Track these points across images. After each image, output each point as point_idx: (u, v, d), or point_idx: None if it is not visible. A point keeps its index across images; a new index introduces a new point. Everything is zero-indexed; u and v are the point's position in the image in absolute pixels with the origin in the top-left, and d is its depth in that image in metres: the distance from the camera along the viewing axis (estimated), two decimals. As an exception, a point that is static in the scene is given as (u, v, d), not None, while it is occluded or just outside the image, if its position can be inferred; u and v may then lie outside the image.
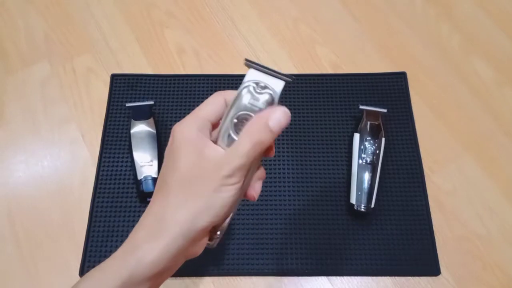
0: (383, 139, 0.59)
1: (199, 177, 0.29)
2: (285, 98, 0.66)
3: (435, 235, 0.57)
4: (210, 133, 0.31)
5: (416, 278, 0.54)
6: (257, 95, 0.31)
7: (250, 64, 0.32)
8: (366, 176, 0.57)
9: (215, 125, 0.32)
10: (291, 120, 0.67)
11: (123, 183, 0.60)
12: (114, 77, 0.68)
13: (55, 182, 0.60)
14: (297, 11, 0.75)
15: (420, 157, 0.62)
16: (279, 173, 0.61)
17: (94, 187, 0.59)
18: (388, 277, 0.55)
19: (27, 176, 0.61)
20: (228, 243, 0.56)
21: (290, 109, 0.68)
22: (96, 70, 0.69)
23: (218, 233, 0.32)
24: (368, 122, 0.61)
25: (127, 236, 0.30)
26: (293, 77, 0.32)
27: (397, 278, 0.55)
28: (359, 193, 0.56)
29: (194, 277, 0.55)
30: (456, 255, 0.56)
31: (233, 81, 0.67)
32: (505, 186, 0.60)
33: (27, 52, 0.70)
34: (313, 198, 0.59)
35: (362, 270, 0.55)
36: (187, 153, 0.30)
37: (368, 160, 0.58)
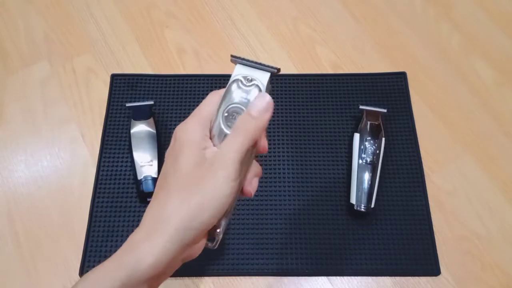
0: (383, 139, 0.59)
1: (199, 178, 0.29)
2: (285, 98, 0.66)
3: (435, 235, 0.57)
4: (210, 132, 0.32)
5: (416, 278, 0.55)
6: (245, 88, 0.32)
7: (235, 59, 0.33)
8: (366, 176, 0.57)
9: None
10: (291, 120, 0.67)
11: (123, 183, 0.60)
12: (114, 77, 0.68)
13: (55, 182, 0.60)
14: (297, 11, 0.75)
15: (420, 157, 0.62)
16: (279, 173, 0.61)
17: (94, 187, 0.59)
18: (388, 277, 0.55)
19: (27, 176, 0.61)
20: (228, 243, 0.56)
21: (290, 109, 0.68)
22: (96, 70, 0.69)
23: (218, 231, 0.32)
24: (368, 122, 0.61)
25: (127, 236, 0.30)
26: (279, 68, 0.33)
27: (397, 278, 0.55)
28: (359, 193, 0.56)
29: (194, 277, 0.55)
30: (456, 255, 0.56)
31: (233, 81, 0.67)
32: (505, 186, 0.60)
33: (27, 52, 0.70)
34: (313, 198, 0.59)
35: (362, 270, 0.55)
36: (189, 155, 0.30)
37: (368, 160, 0.58)
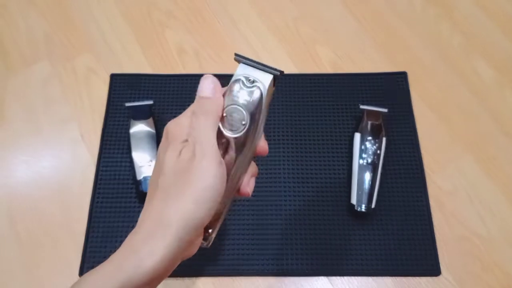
0: (384, 139, 0.59)
1: (187, 172, 0.29)
2: (285, 98, 0.66)
3: (435, 235, 0.56)
4: None
5: (417, 278, 0.54)
6: (246, 89, 0.32)
7: (239, 59, 0.33)
8: (367, 176, 0.57)
9: None
10: (292, 120, 0.67)
11: (123, 183, 0.60)
12: (114, 77, 0.68)
13: (55, 182, 0.60)
14: (298, 11, 0.75)
15: (421, 157, 0.62)
16: (279, 173, 0.61)
17: (93, 187, 0.59)
18: (388, 277, 0.55)
19: (27, 176, 0.61)
20: (228, 243, 0.56)
21: (290, 109, 0.68)
22: (96, 69, 0.69)
23: (210, 230, 0.32)
24: (369, 122, 0.61)
25: (126, 236, 0.30)
26: (282, 71, 0.32)
27: (398, 278, 0.55)
28: (360, 193, 0.56)
29: (194, 277, 0.54)
30: (457, 255, 0.56)
31: (233, 81, 0.67)
32: (505, 186, 0.60)
33: (28, 52, 0.70)
34: (313, 198, 0.59)
35: (363, 270, 0.55)
36: (178, 150, 0.30)
37: (369, 160, 0.58)
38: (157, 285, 0.30)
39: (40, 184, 0.60)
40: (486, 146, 0.63)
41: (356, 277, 0.55)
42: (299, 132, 0.64)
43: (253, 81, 0.32)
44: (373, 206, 0.56)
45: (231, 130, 0.31)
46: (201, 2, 0.75)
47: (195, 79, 0.68)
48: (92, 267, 0.29)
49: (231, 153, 0.31)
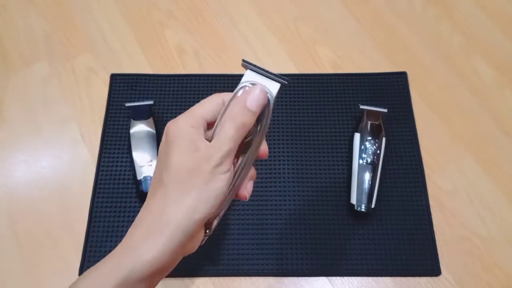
0: (384, 139, 0.59)
1: (192, 171, 0.29)
2: (285, 98, 0.66)
3: (435, 235, 0.56)
4: (205, 131, 0.32)
5: (417, 279, 0.54)
6: None
7: (247, 65, 0.32)
8: (367, 176, 0.57)
9: (210, 125, 0.32)
10: (292, 120, 0.67)
11: (123, 183, 0.60)
12: (114, 77, 0.68)
13: (55, 182, 0.60)
14: (298, 11, 0.75)
15: (421, 157, 0.62)
16: (279, 173, 0.61)
17: (93, 187, 0.59)
18: (388, 277, 0.55)
19: (27, 176, 0.61)
20: (228, 243, 0.56)
21: (290, 109, 0.68)
22: (96, 69, 0.69)
23: (207, 231, 0.33)
24: (369, 122, 0.61)
25: (126, 236, 0.30)
26: (289, 79, 0.32)
27: (397, 278, 0.55)
28: (360, 193, 0.56)
29: (194, 277, 0.54)
30: (457, 255, 0.56)
31: (233, 81, 0.67)
32: (505, 186, 0.60)
33: (27, 52, 0.70)
34: (313, 198, 0.59)
35: (363, 270, 0.55)
36: (180, 149, 0.30)
37: (369, 160, 0.58)
38: (158, 280, 0.30)
39: (40, 184, 0.60)
40: (486, 146, 0.63)
41: (356, 277, 0.55)
42: (299, 132, 0.64)
43: None
44: (373, 206, 0.56)
45: None
46: (201, 2, 0.75)
47: (195, 79, 0.68)
48: (92, 267, 0.29)
49: (238, 156, 0.32)
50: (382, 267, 0.55)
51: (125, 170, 0.60)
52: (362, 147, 0.59)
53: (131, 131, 0.60)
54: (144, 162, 0.58)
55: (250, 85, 0.32)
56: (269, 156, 0.62)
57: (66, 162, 0.62)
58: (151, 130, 0.60)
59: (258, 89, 0.31)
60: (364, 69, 0.69)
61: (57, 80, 0.68)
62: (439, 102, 0.66)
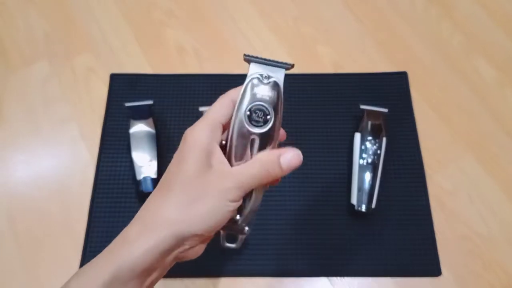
0: (384, 139, 0.59)
1: (203, 185, 0.30)
2: (286, 98, 0.66)
3: (436, 235, 0.56)
4: (222, 134, 0.32)
5: (417, 279, 0.54)
6: (264, 85, 0.32)
7: (250, 58, 0.33)
8: (367, 176, 0.57)
9: (225, 126, 0.33)
10: (292, 120, 0.67)
11: (123, 183, 0.60)
12: (114, 77, 0.68)
13: (55, 182, 0.60)
14: (298, 11, 0.75)
15: (421, 156, 0.61)
16: (280, 173, 0.60)
17: (93, 187, 0.59)
18: (389, 277, 0.54)
19: (27, 176, 0.61)
20: (228, 243, 0.56)
21: (290, 109, 0.68)
22: (96, 69, 0.69)
23: (245, 229, 0.34)
24: (369, 122, 0.60)
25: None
26: (293, 64, 0.33)
27: (398, 278, 0.54)
28: (360, 193, 0.56)
29: (194, 278, 0.54)
30: (457, 255, 0.56)
31: (234, 81, 0.66)
32: (506, 186, 0.60)
33: (27, 51, 0.70)
34: (313, 198, 0.59)
35: (363, 270, 0.55)
36: (196, 159, 0.30)
37: (369, 160, 0.58)
38: (147, 280, 0.30)
39: (40, 184, 0.60)
40: (487, 146, 0.63)
41: (356, 278, 0.54)
42: (299, 132, 0.63)
43: (269, 77, 0.33)
44: (373, 206, 0.56)
45: (257, 126, 0.32)
46: (202, 2, 0.75)
47: (195, 78, 0.68)
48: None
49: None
50: (382, 268, 0.55)
51: (124, 170, 0.60)
52: (363, 147, 0.59)
53: (131, 131, 0.60)
54: (143, 162, 0.58)
55: (259, 76, 0.32)
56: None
57: (66, 162, 0.62)
58: (151, 130, 0.60)
59: (295, 152, 0.33)
60: (364, 69, 0.69)
61: (57, 80, 0.68)
62: (439, 101, 0.66)
